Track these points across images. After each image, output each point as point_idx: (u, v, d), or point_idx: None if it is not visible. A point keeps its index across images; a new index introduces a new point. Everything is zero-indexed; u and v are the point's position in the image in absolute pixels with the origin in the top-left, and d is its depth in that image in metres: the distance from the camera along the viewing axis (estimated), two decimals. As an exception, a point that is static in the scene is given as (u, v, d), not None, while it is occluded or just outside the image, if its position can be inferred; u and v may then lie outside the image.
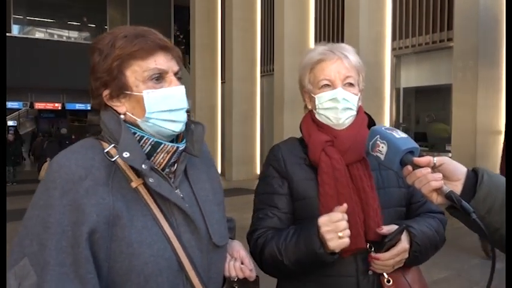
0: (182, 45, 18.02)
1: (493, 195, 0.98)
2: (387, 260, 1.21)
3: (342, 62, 1.31)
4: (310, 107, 1.38)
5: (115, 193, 0.95)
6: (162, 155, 1.02)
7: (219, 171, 13.56)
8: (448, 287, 4.20)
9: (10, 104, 23.83)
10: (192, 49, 14.18)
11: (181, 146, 1.05)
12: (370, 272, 1.27)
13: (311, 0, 10.78)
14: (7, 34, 17.39)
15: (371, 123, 1.38)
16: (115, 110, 1.03)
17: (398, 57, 9.00)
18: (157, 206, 0.99)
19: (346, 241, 1.13)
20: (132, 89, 1.00)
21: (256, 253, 1.30)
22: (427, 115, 9.24)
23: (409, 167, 1.02)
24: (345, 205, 1.14)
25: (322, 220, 1.14)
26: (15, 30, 20.56)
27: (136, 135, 1.01)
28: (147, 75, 1.00)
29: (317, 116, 1.35)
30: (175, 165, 1.06)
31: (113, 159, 0.98)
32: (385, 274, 1.26)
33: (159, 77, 1.01)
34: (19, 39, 18.93)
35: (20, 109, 27.09)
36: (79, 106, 24.39)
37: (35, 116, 28.84)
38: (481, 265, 4.53)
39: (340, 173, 1.26)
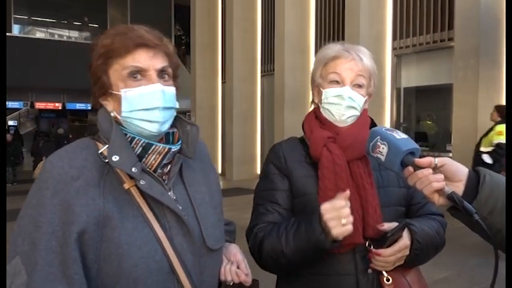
0: (185, 44, 17.97)
1: (495, 196, 0.97)
2: (388, 256, 1.21)
3: (355, 63, 1.33)
4: (316, 101, 1.40)
5: (106, 194, 0.95)
6: (153, 156, 1.01)
7: (220, 171, 13.56)
8: (449, 287, 4.19)
9: (11, 104, 23.86)
10: (193, 49, 14.18)
11: (174, 148, 1.03)
12: (369, 271, 1.26)
13: (311, -1, 10.79)
14: (8, 34, 17.41)
15: (373, 126, 1.38)
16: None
17: (398, 56, 8.99)
18: (149, 208, 0.98)
19: (349, 228, 1.12)
20: (113, 88, 1.00)
21: (255, 247, 1.29)
22: (428, 115, 9.25)
23: (410, 168, 1.01)
24: (348, 192, 1.13)
25: (325, 207, 1.13)
26: (15, 30, 20.58)
27: (127, 136, 1.00)
28: (125, 73, 0.99)
29: (321, 111, 1.36)
30: (169, 166, 1.04)
31: (106, 160, 0.97)
32: (384, 273, 1.26)
33: (137, 75, 0.99)
34: (19, 39, 18.95)
35: (21, 109, 27.11)
36: (79, 106, 24.40)
37: (36, 116, 28.85)
38: (481, 265, 4.53)
39: (340, 168, 1.26)
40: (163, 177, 1.04)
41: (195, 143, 1.08)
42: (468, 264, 4.68)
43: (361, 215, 1.25)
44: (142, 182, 0.96)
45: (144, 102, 0.98)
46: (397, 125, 8.99)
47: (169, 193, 1.02)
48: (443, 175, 0.99)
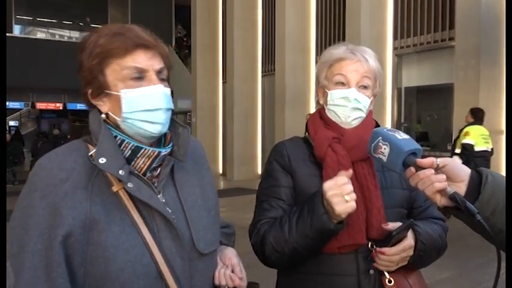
0: (187, 47, 17.92)
1: (497, 197, 0.97)
2: (392, 255, 1.20)
3: (361, 64, 1.32)
4: (322, 102, 1.40)
5: (94, 197, 0.94)
6: (142, 159, 0.99)
7: (220, 171, 13.57)
8: (450, 287, 4.19)
9: (12, 104, 23.88)
10: (193, 49, 14.19)
11: (164, 151, 1.01)
12: (371, 272, 1.26)
13: (312, -1, 10.79)
14: (9, 34, 17.42)
15: (376, 127, 1.37)
16: (98, 109, 1.02)
17: (399, 56, 8.99)
18: (137, 211, 0.96)
19: (352, 205, 1.11)
20: (110, 88, 0.98)
21: (258, 242, 1.28)
22: (429, 114, 9.24)
23: (412, 169, 1.01)
24: (350, 171, 1.13)
25: (328, 184, 1.12)
26: (16, 31, 20.60)
27: (117, 138, 0.99)
28: (125, 73, 0.97)
29: (327, 112, 1.36)
30: (159, 169, 1.02)
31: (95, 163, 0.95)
32: (386, 274, 1.25)
33: (138, 76, 0.98)
34: (20, 40, 18.96)
35: (22, 109, 27.14)
36: (80, 106, 24.37)
37: (37, 116, 28.88)
38: (483, 265, 4.52)
39: (345, 168, 1.24)
40: (153, 180, 1.02)
41: (186, 146, 1.06)
42: (470, 264, 4.68)
43: (365, 216, 1.24)
44: (130, 185, 0.95)
45: (147, 103, 0.97)
46: (398, 125, 8.99)
47: (158, 196, 1.01)
48: (445, 175, 0.99)
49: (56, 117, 27.73)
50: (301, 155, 1.35)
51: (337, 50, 1.35)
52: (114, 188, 0.96)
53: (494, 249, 0.92)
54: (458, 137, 6.58)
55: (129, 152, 0.99)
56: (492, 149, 6.45)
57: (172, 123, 1.07)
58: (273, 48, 11.46)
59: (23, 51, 17.80)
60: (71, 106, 24.53)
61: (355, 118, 1.32)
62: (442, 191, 0.98)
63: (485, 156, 6.29)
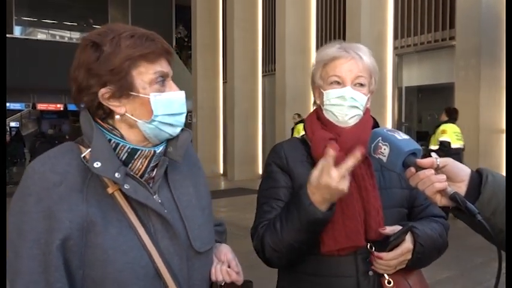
0: (188, 48, 17.85)
1: (497, 196, 0.97)
2: (390, 260, 1.20)
3: (355, 62, 1.31)
4: (318, 102, 1.39)
5: (90, 199, 0.93)
6: (140, 160, 1.00)
7: (221, 171, 13.57)
8: (451, 286, 4.19)
9: (12, 105, 23.92)
10: (194, 49, 14.19)
11: (158, 149, 1.02)
12: (370, 273, 1.25)
13: (312, -1, 10.78)
14: (9, 35, 17.44)
15: (376, 126, 1.36)
16: (110, 110, 0.99)
17: (400, 56, 8.99)
18: (133, 212, 0.97)
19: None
20: (138, 91, 0.98)
21: (259, 244, 1.28)
22: (429, 114, 9.24)
23: (412, 169, 1.01)
24: (334, 152, 1.11)
25: (314, 173, 1.12)
26: (16, 32, 20.62)
27: (111, 142, 0.98)
28: (153, 77, 0.98)
29: (324, 112, 1.35)
30: (155, 170, 1.03)
31: (89, 165, 0.95)
32: (385, 275, 1.24)
33: (163, 80, 1.00)
34: (20, 40, 18.98)
35: (23, 110, 27.17)
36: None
37: (37, 117, 28.90)
38: (484, 265, 4.52)
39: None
40: (149, 181, 1.02)
41: (185, 147, 1.06)
42: (471, 264, 4.67)
43: (363, 217, 1.24)
44: (126, 186, 0.95)
45: (173, 107, 1.01)
46: (398, 125, 8.99)
47: (154, 196, 1.01)
48: (445, 175, 0.98)
49: (57, 118, 27.74)
50: (299, 156, 1.35)
51: (331, 49, 1.34)
52: (110, 190, 0.96)
53: (495, 248, 0.92)
54: (433, 134, 6.82)
55: (126, 154, 0.99)
56: (464, 145, 6.73)
57: None
58: (273, 49, 11.46)
59: (23, 52, 17.81)
60: (71, 107, 24.55)
61: (352, 116, 1.31)
62: (442, 191, 0.97)
63: (459, 154, 6.52)
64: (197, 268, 1.05)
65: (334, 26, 10.25)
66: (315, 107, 1.43)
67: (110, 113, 1.00)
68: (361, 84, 1.32)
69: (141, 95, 0.98)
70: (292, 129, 9.72)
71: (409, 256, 1.22)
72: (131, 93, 0.97)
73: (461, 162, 1.04)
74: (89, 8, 21.55)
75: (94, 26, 22.30)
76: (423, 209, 1.38)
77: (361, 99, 1.31)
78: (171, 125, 1.01)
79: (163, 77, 1.00)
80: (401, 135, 1.07)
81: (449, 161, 1.01)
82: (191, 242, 1.03)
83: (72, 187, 0.93)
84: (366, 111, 1.36)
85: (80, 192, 0.93)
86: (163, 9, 20.74)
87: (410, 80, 9.14)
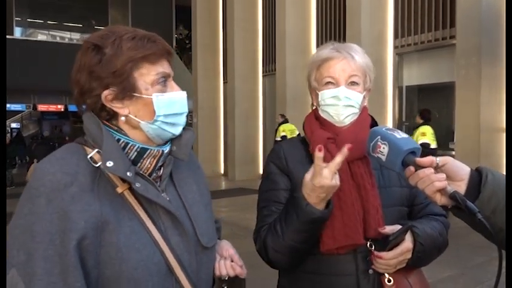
0: (190, 50, 17.78)
1: (497, 195, 0.96)
2: (390, 259, 1.20)
3: (347, 61, 1.32)
4: (315, 104, 1.40)
5: (101, 199, 0.94)
6: (149, 160, 1.02)
7: (222, 171, 13.57)
8: (453, 285, 4.18)
9: (13, 107, 23.92)
10: (194, 49, 14.19)
11: (166, 149, 1.05)
12: (370, 271, 1.25)
13: (312, -1, 10.78)
14: (10, 37, 17.46)
15: (374, 124, 1.37)
16: (114, 112, 1.00)
17: (400, 55, 8.98)
18: (144, 211, 0.99)
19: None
20: (141, 92, 0.99)
21: (262, 248, 1.29)
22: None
23: (412, 168, 1.00)
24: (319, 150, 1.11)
25: (306, 175, 1.13)
26: (17, 33, 20.63)
27: (120, 142, 1.00)
28: (155, 78, 1.00)
29: (320, 113, 1.36)
30: (161, 169, 1.06)
31: (97, 165, 0.96)
32: (386, 274, 1.24)
33: (165, 81, 1.02)
34: (21, 42, 19.00)
35: (23, 111, 27.19)
36: (82, 107, 24.33)
37: (38, 118, 28.94)
38: (485, 264, 4.51)
39: (340, 169, 1.23)
40: (156, 179, 1.05)
41: (189, 146, 1.09)
42: (472, 262, 4.67)
43: (362, 215, 1.24)
44: (138, 185, 0.97)
45: (175, 107, 1.03)
46: (399, 124, 8.98)
47: (162, 194, 1.04)
48: (445, 174, 0.98)
49: (58, 119, 27.78)
50: (298, 156, 1.35)
51: (323, 51, 1.36)
52: (119, 190, 0.97)
53: (496, 247, 0.92)
54: (411, 136, 6.83)
55: (135, 154, 1.01)
56: (437, 145, 6.96)
57: None
58: (274, 48, 11.46)
59: (23, 53, 17.83)
60: (72, 108, 24.56)
61: (348, 115, 1.32)
62: (442, 190, 0.97)
63: (434, 154, 6.53)
64: (204, 263, 1.08)
65: (334, 25, 10.24)
66: (313, 108, 1.44)
67: (114, 115, 1.01)
68: (355, 83, 1.32)
69: (143, 96, 0.99)
70: (276, 130, 9.82)
71: (409, 255, 1.21)
72: (134, 94, 0.99)
73: None
74: (89, 9, 21.57)
75: (95, 27, 22.36)
76: (423, 208, 1.38)
77: (356, 97, 1.32)
78: (173, 124, 1.03)
79: (164, 77, 1.02)
80: (400, 134, 1.07)
81: (449, 159, 1.01)
82: (199, 238, 1.06)
83: (83, 187, 0.94)
84: (363, 109, 1.37)
85: (91, 192, 0.94)
86: (164, 9, 20.74)
87: (411, 79, 9.13)
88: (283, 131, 9.56)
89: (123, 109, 1.00)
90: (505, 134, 7.02)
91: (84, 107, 1.02)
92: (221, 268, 1.12)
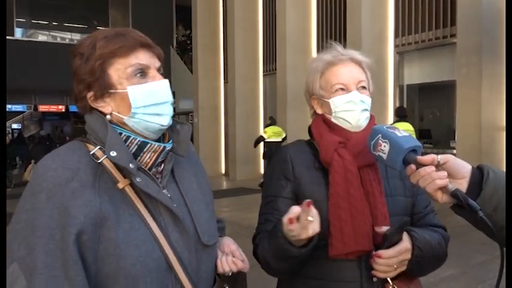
0: (191, 50, 17.77)
1: (499, 193, 0.96)
2: (389, 257, 1.17)
3: (353, 65, 1.30)
4: (321, 112, 1.35)
5: (102, 194, 0.95)
6: (149, 154, 1.02)
7: (223, 171, 13.57)
8: (454, 284, 4.18)
9: (14, 107, 23.96)
10: (194, 49, 14.19)
11: (168, 146, 1.05)
12: (374, 279, 1.23)
13: (313, -2, 10.77)
14: (10, 37, 17.48)
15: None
16: (100, 112, 1.02)
17: (401, 54, 8.97)
18: (144, 207, 0.99)
19: (314, 227, 1.05)
20: (116, 87, 1.00)
21: (256, 255, 1.30)
22: (431, 112, 9.22)
23: (413, 166, 1.00)
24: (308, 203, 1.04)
25: (284, 220, 1.08)
26: (18, 34, 20.65)
27: (122, 135, 1.01)
28: (130, 71, 1.00)
29: (333, 120, 1.31)
30: (162, 165, 1.06)
31: (99, 161, 0.98)
32: (389, 280, 1.22)
33: (142, 73, 1.01)
34: (22, 43, 19.02)
35: (24, 112, 27.22)
36: (83, 108, 24.36)
37: (39, 119, 28.97)
38: (487, 262, 4.51)
39: (352, 174, 1.23)
40: (157, 175, 1.05)
41: (187, 142, 1.10)
42: (474, 261, 4.66)
43: (371, 222, 1.22)
44: (138, 179, 0.97)
45: (155, 97, 1.01)
46: (400, 123, 8.97)
47: (163, 191, 1.03)
48: (446, 172, 0.98)
49: (59, 119, 27.81)
50: (306, 161, 1.31)
51: (324, 57, 1.33)
52: (120, 185, 0.97)
53: (498, 246, 0.92)
54: None
55: (135, 147, 1.01)
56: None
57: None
58: (274, 48, 11.45)
59: (24, 54, 17.85)
60: (73, 108, 24.59)
61: (364, 119, 1.30)
62: (443, 188, 0.97)
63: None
64: (204, 261, 1.07)
65: (334, 24, 10.24)
66: (314, 117, 1.40)
67: (104, 114, 1.03)
68: (364, 87, 1.31)
69: (118, 90, 1.00)
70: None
71: (409, 256, 1.19)
72: (110, 90, 1.00)
73: None
74: (90, 9, 21.58)
75: (96, 28, 22.38)
76: (422, 217, 1.36)
77: (368, 101, 1.31)
78: (157, 114, 1.01)
79: (141, 69, 1.01)
80: (401, 132, 1.06)
81: (450, 157, 1.00)
82: (199, 236, 1.05)
83: (84, 183, 0.94)
84: (372, 115, 1.35)
85: (92, 188, 0.95)
86: (164, 9, 20.74)
87: (412, 78, 9.12)
88: (265, 132, 9.90)
89: (106, 107, 1.02)
90: (504, 133, 7.01)
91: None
92: (223, 264, 1.11)
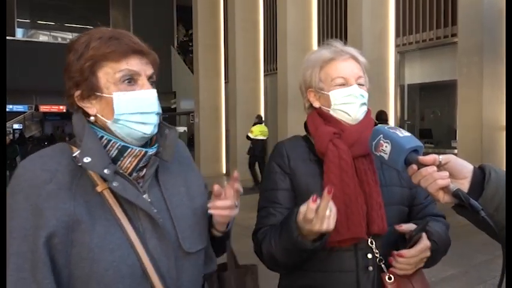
0: (192, 52, 17.76)
1: (500, 193, 0.96)
2: (411, 257, 1.18)
3: (353, 61, 1.34)
4: (317, 106, 1.38)
5: (78, 198, 0.94)
6: (129, 159, 1.00)
7: (224, 171, 13.56)
8: (456, 284, 4.17)
9: (15, 108, 23.99)
10: (195, 49, 14.21)
11: (151, 151, 1.03)
12: (370, 268, 1.26)
13: (313, -2, 10.76)
14: (11, 38, 17.50)
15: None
16: (85, 112, 1.02)
17: (402, 53, 8.96)
18: (122, 211, 0.97)
19: (330, 223, 1.06)
20: (102, 91, 0.99)
21: (258, 251, 1.31)
22: (432, 112, 9.21)
23: (414, 166, 1.00)
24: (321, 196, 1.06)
25: (302, 209, 1.09)
26: (19, 34, 20.68)
27: (103, 138, 1.00)
28: (118, 76, 0.99)
29: (332, 112, 1.35)
30: (144, 170, 1.03)
31: (80, 164, 0.96)
32: (385, 270, 1.24)
33: (131, 80, 1.00)
34: (22, 43, 19.05)
35: (25, 112, 27.26)
36: (83, 108, 24.40)
37: (40, 119, 29.01)
38: (489, 262, 4.50)
39: (346, 163, 1.26)
40: (138, 180, 1.03)
41: (173, 147, 1.07)
42: (475, 261, 4.66)
43: (365, 211, 1.24)
44: (115, 184, 0.95)
45: (141, 106, 0.99)
46: (401, 122, 8.97)
47: (144, 196, 1.01)
48: (447, 172, 0.98)
49: (60, 119, 27.84)
50: (301, 154, 1.35)
51: (324, 51, 1.36)
52: (99, 188, 0.96)
53: (499, 246, 0.92)
54: None
55: (116, 151, 1.00)
56: None
57: (159, 124, 1.07)
58: (275, 48, 11.45)
59: (25, 55, 17.88)
60: (74, 108, 24.61)
61: (362, 113, 1.34)
62: (445, 188, 0.97)
63: None
64: (186, 269, 1.04)
65: (335, 24, 10.23)
66: (309, 111, 1.42)
67: (89, 115, 1.03)
68: (362, 84, 1.35)
69: (104, 94, 0.99)
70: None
71: (428, 253, 1.20)
72: (97, 93, 0.99)
73: None
74: (90, 9, 21.61)
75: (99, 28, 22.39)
76: (423, 208, 1.38)
77: (366, 96, 1.35)
78: (142, 123, 1.00)
79: (130, 76, 0.99)
80: (402, 133, 1.06)
81: (451, 157, 1.00)
82: (180, 242, 1.02)
83: (61, 185, 0.94)
84: (368, 110, 1.38)
85: (68, 190, 0.94)
86: (165, 9, 20.76)
87: (413, 77, 9.11)
88: (252, 132, 10.24)
89: (91, 108, 1.01)
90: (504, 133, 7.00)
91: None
92: (217, 206, 1.02)
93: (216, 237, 1.14)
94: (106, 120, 1.00)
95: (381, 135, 1.07)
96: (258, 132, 10.08)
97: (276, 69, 11.29)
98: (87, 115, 1.02)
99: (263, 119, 12.61)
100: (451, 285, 4.11)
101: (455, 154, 6.02)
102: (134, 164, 1.01)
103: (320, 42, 10.57)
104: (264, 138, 10.20)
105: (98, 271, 0.92)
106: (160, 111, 1.03)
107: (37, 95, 23.66)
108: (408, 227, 1.22)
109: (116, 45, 0.98)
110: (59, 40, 22.01)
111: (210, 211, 1.04)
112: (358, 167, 1.28)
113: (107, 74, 0.99)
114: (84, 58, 0.98)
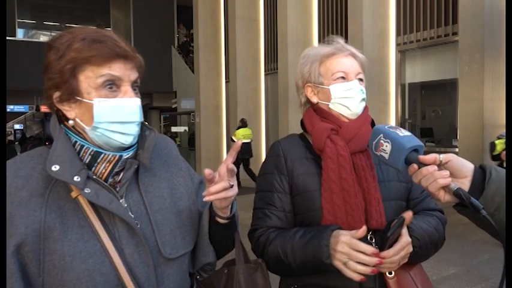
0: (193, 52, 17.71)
1: (501, 192, 0.96)
2: (392, 256, 1.18)
3: (353, 58, 1.36)
4: (315, 101, 1.38)
5: (50, 204, 0.91)
6: (103, 164, 0.96)
7: (225, 170, 13.55)
8: (458, 283, 4.17)
9: (16, 108, 24.01)
10: (196, 49, 14.21)
11: (126, 155, 0.98)
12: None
13: (314, -3, 10.75)
14: (12, 38, 17.52)
15: (372, 124, 1.39)
16: (63, 114, 0.98)
17: (403, 52, 8.95)
18: (97, 217, 0.93)
19: (359, 274, 1.12)
20: (83, 95, 0.94)
21: (259, 252, 1.30)
22: (433, 110, 9.20)
23: (415, 165, 1.00)
24: (364, 228, 1.12)
25: (344, 239, 1.13)
26: (20, 34, 20.70)
27: (77, 144, 0.96)
28: (100, 81, 0.94)
29: (331, 106, 1.35)
30: (121, 174, 0.98)
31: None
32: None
33: (113, 85, 0.95)
34: (23, 43, 19.05)
35: (26, 112, 27.28)
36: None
37: (41, 119, 29.02)
38: (490, 261, 4.50)
39: (344, 159, 1.26)
40: (116, 185, 0.98)
41: (150, 149, 1.02)
42: (477, 260, 4.65)
43: (364, 206, 1.25)
44: (87, 191, 0.91)
45: (121, 115, 0.95)
46: (402, 121, 8.96)
47: (120, 201, 0.97)
48: (448, 171, 0.98)
49: (61, 119, 27.81)
50: (298, 153, 1.35)
51: (324, 47, 1.38)
52: (73, 194, 0.93)
53: (501, 245, 0.92)
54: None
55: (89, 157, 0.96)
56: None
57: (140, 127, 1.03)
58: (276, 47, 11.45)
59: (26, 55, 17.88)
60: (75, 108, 24.63)
61: (362, 108, 1.35)
62: (445, 187, 0.97)
63: None
64: (168, 275, 1.00)
65: (336, 23, 10.22)
66: (306, 107, 1.43)
67: (66, 117, 0.98)
68: (361, 80, 1.36)
69: (85, 100, 0.94)
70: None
71: (410, 248, 1.20)
72: (77, 97, 0.95)
73: None
74: (91, 10, 21.59)
75: (83, 28, 22.39)
76: (419, 202, 1.38)
77: (365, 92, 1.36)
78: (121, 133, 0.95)
79: (113, 81, 0.94)
80: (403, 132, 1.06)
81: (452, 156, 1.00)
82: (160, 248, 0.98)
83: (34, 191, 0.92)
84: (365, 106, 1.40)
85: (40, 196, 0.91)
86: (165, 9, 20.74)
87: (414, 76, 9.10)
88: (235, 135, 10.56)
89: (70, 112, 0.97)
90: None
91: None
92: (214, 190, 0.95)
93: (223, 226, 1.06)
94: (85, 126, 0.95)
95: (381, 135, 1.07)
96: (241, 136, 10.37)
97: (277, 69, 11.29)
98: (66, 118, 0.98)
99: (263, 118, 12.64)
100: (453, 284, 4.11)
101: (456, 153, 6.02)
102: (109, 169, 0.96)
103: (321, 41, 10.53)
104: (248, 141, 10.51)
105: (70, 279, 0.88)
106: (142, 119, 0.99)
107: (38, 95, 23.64)
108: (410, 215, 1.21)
109: (99, 48, 0.93)
110: (60, 40, 22.01)
111: (205, 199, 0.96)
112: (356, 163, 1.28)
113: (88, 78, 0.94)
114: (65, 60, 0.94)
